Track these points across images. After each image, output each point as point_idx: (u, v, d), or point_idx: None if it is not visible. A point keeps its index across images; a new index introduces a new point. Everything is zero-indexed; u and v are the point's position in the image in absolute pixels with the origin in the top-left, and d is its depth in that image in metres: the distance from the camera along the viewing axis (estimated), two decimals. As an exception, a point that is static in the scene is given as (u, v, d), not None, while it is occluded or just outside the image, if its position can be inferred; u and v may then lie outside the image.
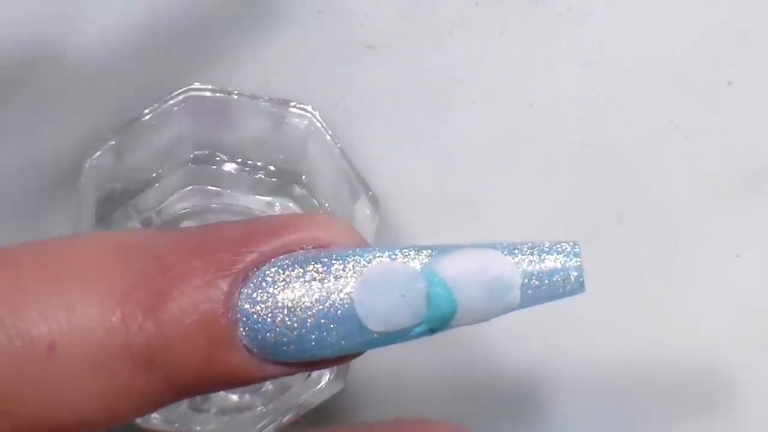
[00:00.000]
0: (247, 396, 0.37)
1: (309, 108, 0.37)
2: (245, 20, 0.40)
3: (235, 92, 0.37)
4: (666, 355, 0.40)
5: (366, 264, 0.27)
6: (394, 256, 0.27)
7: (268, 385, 0.37)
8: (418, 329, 0.27)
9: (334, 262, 0.27)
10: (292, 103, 0.37)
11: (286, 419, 0.35)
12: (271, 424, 0.35)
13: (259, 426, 0.35)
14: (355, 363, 0.30)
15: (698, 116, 0.40)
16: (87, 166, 0.36)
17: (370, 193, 0.37)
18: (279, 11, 0.39)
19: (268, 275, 0.27)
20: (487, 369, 0.40)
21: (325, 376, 0.36)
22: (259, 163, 0.36)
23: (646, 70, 0.40)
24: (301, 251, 0.27)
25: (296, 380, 0.37)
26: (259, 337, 0.27)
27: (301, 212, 0.35)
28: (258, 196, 0.36)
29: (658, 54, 0.40)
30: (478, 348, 0.40)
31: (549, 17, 0.40)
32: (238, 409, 0.36)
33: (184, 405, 0.36)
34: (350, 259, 0.27)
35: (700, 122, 0.40)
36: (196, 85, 0.37)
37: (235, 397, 0.37)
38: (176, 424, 0.34)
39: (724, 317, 0.40)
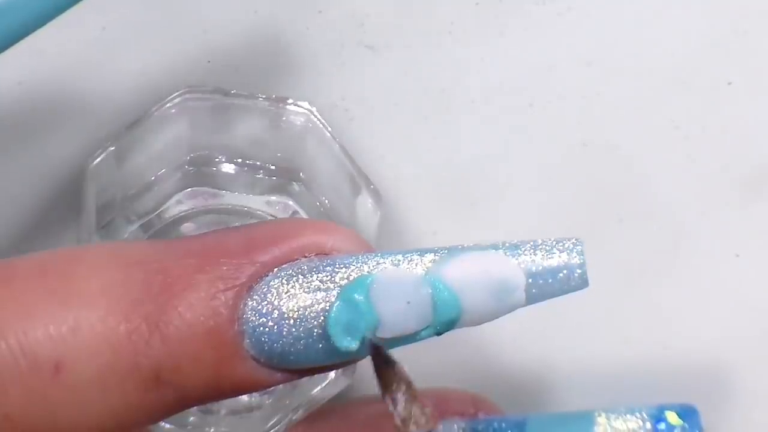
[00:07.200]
0: (256, 395, 0.37)
1: (306, 105, 0.37)
2: (245, 20, 0.39)
3: (232, 91, 0.36)
4: (666, 355, 0.40)
5: (370, 271, 0.27)
6: (397, 262, 0.27)
7: (278, 383, 0.37)
8: (424, 333, 0.27)
9: (337, 270, 0.27)
10: (289, 101, 0.36)
11: (296, 416, 0.35)
12: (282, 421, 0.35)
13: (270, 424, 0.35)
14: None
15: (698, 116, 0.40)
16: (87, 172, 0.36)
17: (372, 186, 0.37)
18: (279, 11, 0.39)
19: (272, 286, 0.27)
20: (488, 368, 0.40)
21: (333, 372, 0.36)
22: (258, 163, 0.36)
23: (646, 70, 0.40)
24: (304, 259, 0.27)
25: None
26: (266, 348, 0.27)
27: (304, 217, 0.35)
28: (258, 196, 0.36)
29: (658, 54, 0.40)
30: (480, 346, 0.40)
31: (549, 17, 0.40)
32: (248, 408, 0.36)
33: (194, 408, 0.36)
34: (354, 267, 0.27)
35: (700, 122, 0.40)
36: (192, 86, 0.36)
37: (245, 397, 0.37)
38: (189, 427, 0.35)
39: (724, 317, 0.40)
